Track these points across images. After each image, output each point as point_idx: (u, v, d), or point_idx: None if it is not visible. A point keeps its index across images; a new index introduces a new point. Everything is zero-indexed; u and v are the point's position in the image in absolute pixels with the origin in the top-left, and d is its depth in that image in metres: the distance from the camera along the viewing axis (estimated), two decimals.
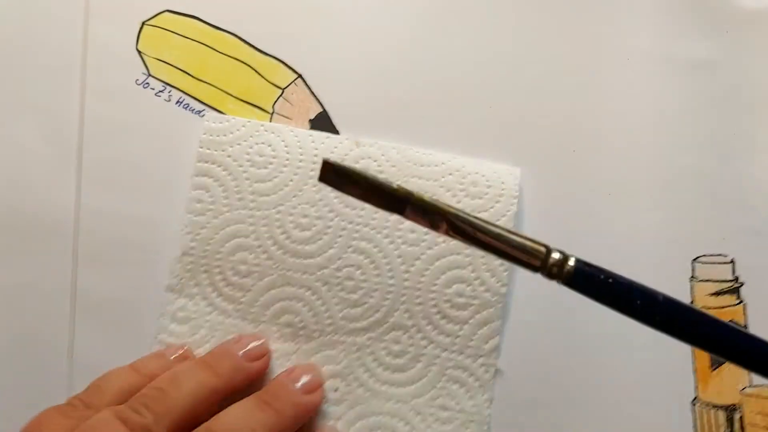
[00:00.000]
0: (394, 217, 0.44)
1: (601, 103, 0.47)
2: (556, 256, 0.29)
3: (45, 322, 0.44)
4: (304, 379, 0.41)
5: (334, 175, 0.31)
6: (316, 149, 0.45)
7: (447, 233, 0.30)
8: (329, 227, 0.44)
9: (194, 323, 0.43)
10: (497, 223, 0.42)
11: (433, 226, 0.30)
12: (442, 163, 0.45)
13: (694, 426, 0.43)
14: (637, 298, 0.28)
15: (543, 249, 0.29)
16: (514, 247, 0.29)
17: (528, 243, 0.29)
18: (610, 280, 0.29)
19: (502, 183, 0.45)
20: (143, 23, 0.48)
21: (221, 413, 0.38)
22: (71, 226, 0.45)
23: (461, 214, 0.30)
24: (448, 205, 0.30)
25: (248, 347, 0.42)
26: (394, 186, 0.30)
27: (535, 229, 0.45)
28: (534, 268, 0.29)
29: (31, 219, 0.45)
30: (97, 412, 0.36)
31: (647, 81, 0.48)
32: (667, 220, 0.46)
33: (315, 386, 0.41)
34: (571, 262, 0.29)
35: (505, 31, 0.48)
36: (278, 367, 0.43)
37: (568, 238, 0.45)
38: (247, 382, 0.41)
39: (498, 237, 0.30)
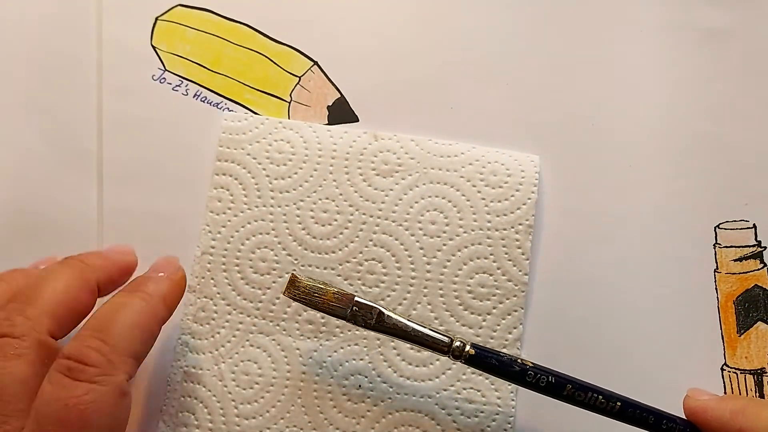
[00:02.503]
0: (415, 209, 0.44)
1: (617, 76, 0.47)
2: (457, 344, 0.38)
3: None
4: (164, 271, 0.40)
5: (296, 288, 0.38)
6: (335, 144, 0.45)
7: (367, 325, 0.38)
8: (350, 221, 0.44)
9: (215, 324, 0.43)
10: (518, 210, 0.44)
11: (363, 321, 0.38)
12: (462, 153, 0.45)
13: (725, 391, 0.44)
14: (515, 366, 0.37)
15: (448, 339, 0.38)
16: (426, 339, 0.38)
17: (437, 335, 0.38)
18: (494, 360, 0.38)
19: (522, 171, 0.45)
20: (156, 18, 0.47)
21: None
22: (95, 225, 0.45)
23: (393, 315, 0.38)
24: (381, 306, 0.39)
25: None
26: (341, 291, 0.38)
27: (557, 204, 0.46)
28: (443, 353, 0.38)
29: (55, 219, 0.45)
30: None
31: (662, 51, 0.48)
32: (688, 188, 0.46)
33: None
34: (468, 347, 0.38)
35: (520, 8, 0.48)
36: (298, 365, 0.43)
37: (591, 212, 0.46)
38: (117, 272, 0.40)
39: (415, 332, 0.38)
